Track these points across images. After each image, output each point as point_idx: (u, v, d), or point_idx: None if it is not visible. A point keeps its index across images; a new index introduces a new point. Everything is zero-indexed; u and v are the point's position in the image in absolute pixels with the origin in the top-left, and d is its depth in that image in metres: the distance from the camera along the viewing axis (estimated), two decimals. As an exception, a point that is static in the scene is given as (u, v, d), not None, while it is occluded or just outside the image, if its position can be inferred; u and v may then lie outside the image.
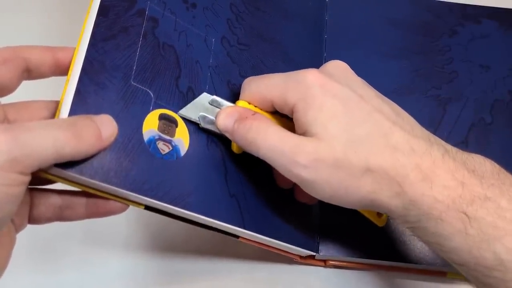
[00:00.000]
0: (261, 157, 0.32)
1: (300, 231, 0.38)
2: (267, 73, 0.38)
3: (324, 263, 0.41)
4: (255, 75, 0.36)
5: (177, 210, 0.32)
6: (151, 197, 0.31)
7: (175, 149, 0.33)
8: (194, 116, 0.34)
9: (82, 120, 0.28)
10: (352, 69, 0.42)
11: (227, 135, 0.34)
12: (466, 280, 0.40)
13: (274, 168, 0.32)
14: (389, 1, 0.49)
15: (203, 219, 0.33)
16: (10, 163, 0.24)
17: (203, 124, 0.34)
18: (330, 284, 0.40)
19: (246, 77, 0.38)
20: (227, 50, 0.39)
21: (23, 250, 0.38)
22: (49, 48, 0.31)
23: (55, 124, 0.27)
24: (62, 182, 0.29)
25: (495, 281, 0.28)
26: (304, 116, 0.31)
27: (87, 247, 0.41)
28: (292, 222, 0.38)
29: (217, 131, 0.35)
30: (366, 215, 0.37)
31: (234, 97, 0.37)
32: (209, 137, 0.35)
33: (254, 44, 0.41)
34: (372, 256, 0.40)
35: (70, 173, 0.28)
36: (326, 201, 0.32)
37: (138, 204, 0.32)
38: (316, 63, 0.44)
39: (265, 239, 0.36)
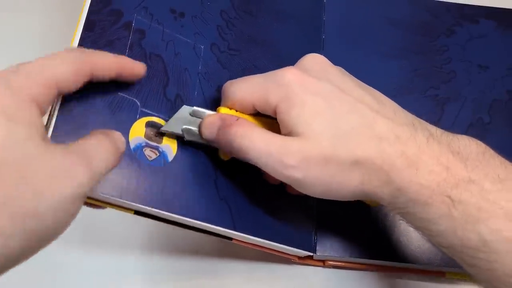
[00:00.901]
0: (249, 162, 0.32)
1: (296, 232, 0.38)
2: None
3: (323, 263, 0.40)
4: None
5: (166, 214, 0.33)
6: (139, 203, 0.31)
7: (162, 155, 0.33)
8: (177, 130, 0.34)
9: (120, 142, 0.30)
10: (351, 70, 0.42)
11: (213, 144, 0.34)
12: (465, 280, 0.40)
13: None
14: (388, 1, 0.49)
15: (192, 222, 0.34)
16: (86, 194, 0.25)
17: (187, 137, 0.34)
18: (330, 284, 0.40)
19: None
20: (217, 56, 0.39)
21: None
22: (118, 63, 0.31)
23: (106, 148, 0.28)
24: None
25: (480, 262, 0.28)
26: (288, 116, 0.31)
27: (85, 247, 0.41)
28: (288, 223, 0.38)
29: (202, 142, 0.34)
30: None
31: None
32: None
33: (245, 48, 0.41)
34: (370, 256, 0.40)
35: None
36: (318, 197, 0.32)
37: (127, 209, 0.32)
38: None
39: (259, 241, 0.37)
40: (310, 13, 0.47)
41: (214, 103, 0.37)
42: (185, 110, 0.35)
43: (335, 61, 0.45)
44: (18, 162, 0.23)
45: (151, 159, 0.33)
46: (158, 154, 0.33)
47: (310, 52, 0.38)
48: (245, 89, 0.34)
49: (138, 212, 0.33)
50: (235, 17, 0.42)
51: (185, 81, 0.37)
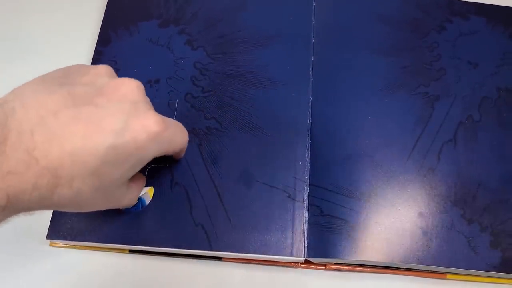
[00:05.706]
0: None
1: (285, 241, 0.38)
2: (238, 107, 0.42)
3: (325, 266, 0.40)
4: (222, 113, 0.41)
5: (152, 249, 0.38)
6: (127, 244, 0.37)
7: (140, 201, 0.38)
8: None
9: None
10: (341, 68, 0.40)
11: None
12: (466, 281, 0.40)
13: None
14: (378, -3, 0.48)
15: (173, 250, 0.38)
16: None
17: None
18: (332, 285, 0.40)
19: (212, 118, 0.41)
20: (191, 103, 0.42)
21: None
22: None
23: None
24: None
25: None
26: None
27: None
28: (274, 234, 0.38)
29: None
30: None
31: (200, 141, 0.41)
32: (173, 181, 0.39)
33: (220, 85, 0.43)
34: (367, 258, 0.38)
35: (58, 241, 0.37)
36: None
37: (122, 250, 0.38)
38: (304, 69, 0.44)
39: (246, 255, 0.38)
40: (298, 26, 0.46)
41: (189, 145, 0.40)
42: None
43: (325, 60, 0.44)
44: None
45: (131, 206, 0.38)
46: (136, 201, 0.37)
47: (301, 64, 0.41)
48: None
49: (132, 250, 0.39)
50: (209, 63, 0.44)
51: None
